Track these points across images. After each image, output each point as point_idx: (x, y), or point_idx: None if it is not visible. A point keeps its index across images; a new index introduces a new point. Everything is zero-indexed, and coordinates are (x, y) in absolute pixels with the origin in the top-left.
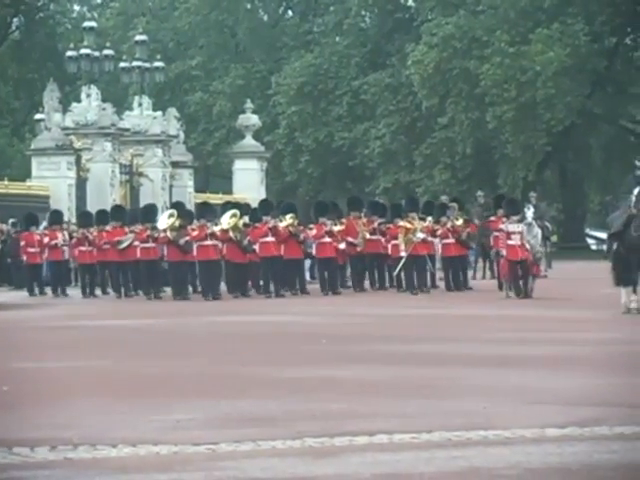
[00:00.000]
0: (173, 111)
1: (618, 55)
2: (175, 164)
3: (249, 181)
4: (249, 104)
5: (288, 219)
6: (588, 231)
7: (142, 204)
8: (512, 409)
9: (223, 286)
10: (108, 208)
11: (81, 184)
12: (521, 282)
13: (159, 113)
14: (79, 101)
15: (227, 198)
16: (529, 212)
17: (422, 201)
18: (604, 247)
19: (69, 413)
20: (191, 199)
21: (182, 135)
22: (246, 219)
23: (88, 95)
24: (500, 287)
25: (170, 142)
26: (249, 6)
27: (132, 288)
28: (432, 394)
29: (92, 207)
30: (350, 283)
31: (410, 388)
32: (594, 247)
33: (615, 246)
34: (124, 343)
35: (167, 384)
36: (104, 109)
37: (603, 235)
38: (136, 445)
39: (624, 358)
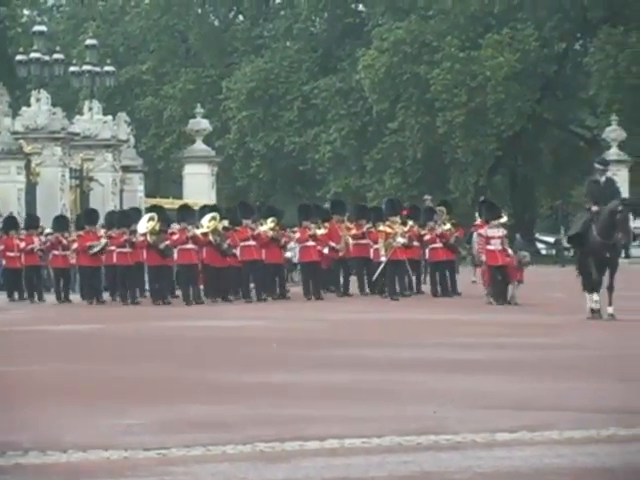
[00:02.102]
0: (123, 115)
1: (567, 60)
2: (125, 168)
3: (199, 186)
4: (199, 109)
5: (269, 223)
6: (538, 236)
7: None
8: (463, 414)
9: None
10: (58, 213)
11: (31, 189)
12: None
13: (109, 117)
14: (29, 105)
15: (178, 202)
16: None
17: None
18: (553, 251)
19: (19, 418)
20: (141, 204)
21: (132, 139)
22: (226, 222)
23: (38, 99)
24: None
25: (120, 146)
26: (200, 11)
27: (110, 294)
28: (383, 399)
29: (42, 212)
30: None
31: (361, 393)
32: (544, 252)
33: (573, 251)
34: (77, 348)
35: (118, 389)
36: (54, 113)
37: (552, 240)
38: (86, 450)
39: (575, 362)
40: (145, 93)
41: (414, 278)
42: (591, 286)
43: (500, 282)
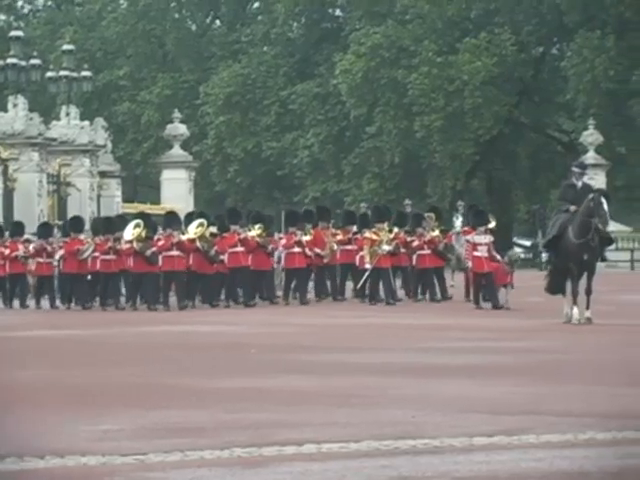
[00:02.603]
0: (101, 121)
1: (544, 64)
2: (103, 174)
3: (177, 191)
4: (177, 114)
5: (256, 229)
6: (516, 239)
7: (70, 214)
8: (440, 418)
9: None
10: (35, 218)
11: (8, 194)
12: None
13: (87, 123)
14: (6, 111)
15: (156, 208)
16: (457, 221)
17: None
18: (531, 255)
19: None
20: (119, 209)
21: (110, 145)
22: (213, 229)
23: (15, 105)
24: (475, 299)
25: (98, 152)
26: (177, 16)
27: (98, 301)
28: (361, 403)
29: (19, 217)
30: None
31: (339, 397)
32: (522, 255)
33: (552, 255)
34: (55, 354)
35: (95, 394)
36: (31, 119)
37: (529, 243)
38: (64, 456)
39: (552, 366)
40: (122, 98)
41: (399, 284)
42: (557, 289)
43: (482, 287)
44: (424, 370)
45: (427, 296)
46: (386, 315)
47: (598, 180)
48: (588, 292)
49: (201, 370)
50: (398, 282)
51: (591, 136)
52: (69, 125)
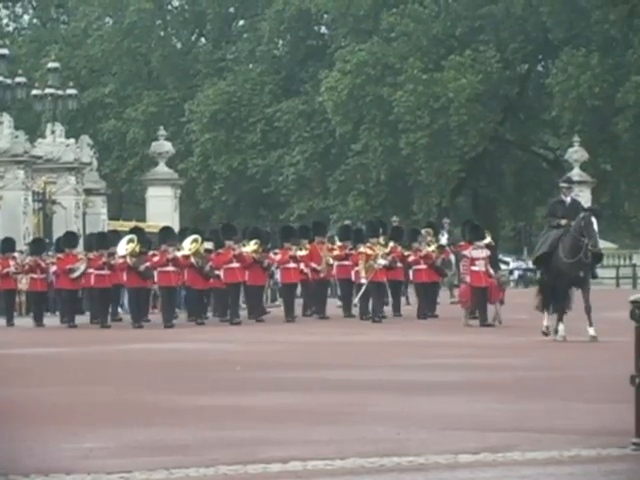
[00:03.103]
0: (86, 138)
1: (529, 82)
2: (88, 191)
3: (162, 208)
4: (162, 131)
5: (252, 245)
6: (501, 257)
7: (55, 232)
8: (425, 435)
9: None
10: (21, 236)
11: None
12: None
13: (72, 140)
14: None
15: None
16: (443, 238)
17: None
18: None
19: None
20: (104, 226)
21: (95, 162)
22: (207, 244)
23: (0, 123)
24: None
25: (83, 169)
26: (162, 33)
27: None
28: (346, 421)
29: (4, 235)
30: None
31: (324, 415)
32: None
33: (538, 272)
34: (41, 371)
35: (79, 412)
36: (16, 137)
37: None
38: (48, 474)
39: (536, 384)
40: (108, 116)
41: (391, 300)
42: (548, 306)
43: (482, 303)
44: (408, 387)
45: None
46: (378, 332)
47: (583, 197)
48: (588, 309)
49: (185, 387)
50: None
51: (576, 153)
52: (54, 143)
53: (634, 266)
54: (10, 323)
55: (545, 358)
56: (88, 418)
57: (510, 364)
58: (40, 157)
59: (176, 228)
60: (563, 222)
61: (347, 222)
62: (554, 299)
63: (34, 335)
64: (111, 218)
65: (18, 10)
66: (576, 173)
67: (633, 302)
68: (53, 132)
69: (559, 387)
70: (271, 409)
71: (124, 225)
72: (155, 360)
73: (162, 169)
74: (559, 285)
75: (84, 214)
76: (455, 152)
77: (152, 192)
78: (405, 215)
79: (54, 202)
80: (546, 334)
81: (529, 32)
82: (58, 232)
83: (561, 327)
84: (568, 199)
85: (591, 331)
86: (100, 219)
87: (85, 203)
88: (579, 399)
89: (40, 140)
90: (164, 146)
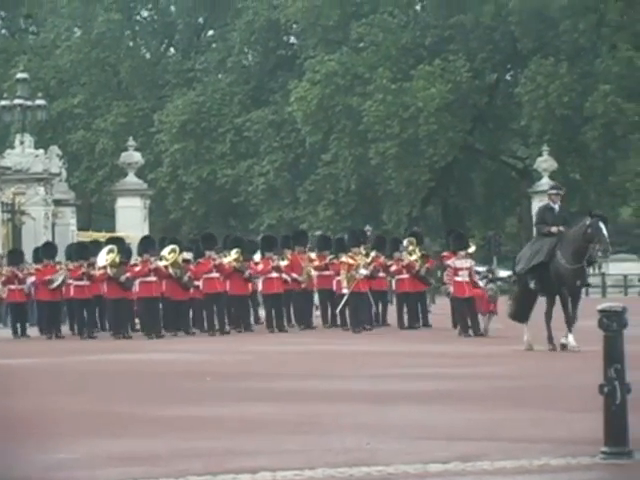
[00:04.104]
0: (55, 149)
1: (499, 91)
2: (58, 202)
3: (132, 219)
4: (132, 142)
5: (233, 254)
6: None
7: (25, 243)
8: (395, 445)
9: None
10: None
11: None
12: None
13: (41, 151)
14: None
15: (112, 236)
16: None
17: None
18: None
19: None
20: (74, 237)
21: (64, 173)
22: (186, 255)
23: None
24: (455, 325)
25: (52, 180)
26: (131, 44)
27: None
28: (315, 431)
29: None
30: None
31: (293, 425)
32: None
33: (532, 282)
34: (8, 382)
35: (50, 423)
36: None
37: (484, 269)
38: None
39: (508, 393)
40: (77, 126)
41: (380, 309)
42: (524, 317)
43: (466, 313)
44: (379, 397)
45: (406, 321)
46: (359, 342)
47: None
48: (573, 319)
49: (156, 398)
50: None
51: (545, 162)
52: (23, 154)
53: (603, 275)
54: None
55: (517, 367)
56: (59, 429)
57: (483, 373)
58: (9, 168)
59: None
60: (554, 229)
61: (317, 232)
62: (530, 309)
63: (11, 346)
64: (80, 229)
65: None
66: (545, 182)
67: (601, 311)
68: (22, 143)
69: (530, 396)
70: (241, 419)
71: (93, 236)
72: (126, 370)
73: (131, 179)
74: (562, 293)
75: (53, 225)
76: (425, 161)
77: (121, 203)
78: (375, 225)
79: (23, 213)
80: (530, 348)
81: (498, 42)
82: (27, 243)
83: (571, 337)
84: (556, 206)
85: (570, 339)
86: (69, 230)
87: (54, 214)
88: (550, 408)
89: (9, 151)
90: (133, 156)
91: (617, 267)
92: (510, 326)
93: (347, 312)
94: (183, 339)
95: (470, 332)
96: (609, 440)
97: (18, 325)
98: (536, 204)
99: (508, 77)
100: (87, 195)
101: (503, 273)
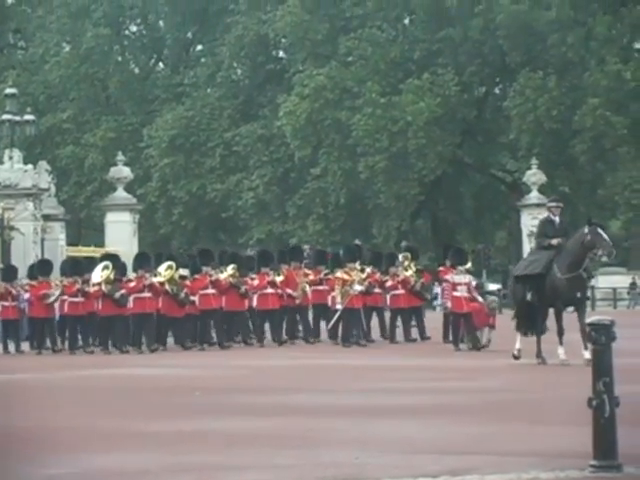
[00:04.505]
0: (44, 164)
1: (487, 104)
2: (47, 217)
3: (121, 234)
4: (121, 156)
5: (229, 270)
6: None
7: (14, 258)
8: (384, 459)
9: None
10: None
11: None
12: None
13: (30, 166)
14: None
15: (100, 251)
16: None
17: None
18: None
19: None
20: (63, 252)
21: (53, 188)
22: (182, 271)
23: None
24: (454, 340)
25: (41, 195)
26: (120, 59)
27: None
28: (304, 445)
29: None
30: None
31: (283, 439)
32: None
33: (529, 294)
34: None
35: (39, 437)
36: None
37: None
38: None
39: (497, 406)
40: (66, 141)
41: (377, 324)
42: (527, 329)
43: (461, 328)
44: (368, 411)
45: (403, 336)
46: (346, 356)
47: None
48: (585, 332)
49: (145, 413)
50: (375, 322)
51: (534, 176)
52: (12, 169)
53: (592, 288)
54: None
55: (508, 381)
56: (49, 444)
57: (473, 387)
58: None
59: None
60: (554, 242)
61: (305, 246)
62: (533, 320)
63: (8, 361)
64: (70, 244)
65: None
66: (534, 196)
67: (590, 324)
68: (11, 158)
69: (520, 410)
70: (231, 434)
71: (82, 251)
72: (115, 386)
73: (121, 194)
74: (556, 305)
75: (42, 240)
76: (414, 175)
77: (111, 217)
78: (365, 239)
79: (12, 228)
80: (517, 357)
81: (486, 55)
82: (17, 258)
83: (561, 350)
84: (557, 219)
85: (586, 354)
86: (59, 245)
87: (43, 229)
88: (539, 421)
89: None
90: (123, 171)
91: (606, 280)
92: (506, 340)
93: (340, 327)
94: (174, 354)
95: (461, 346)
96: (598, 453)
97: (9, 341)
98: (525, 217)
99: (497, 91)
100: (76, 210)
101: (492, 286)
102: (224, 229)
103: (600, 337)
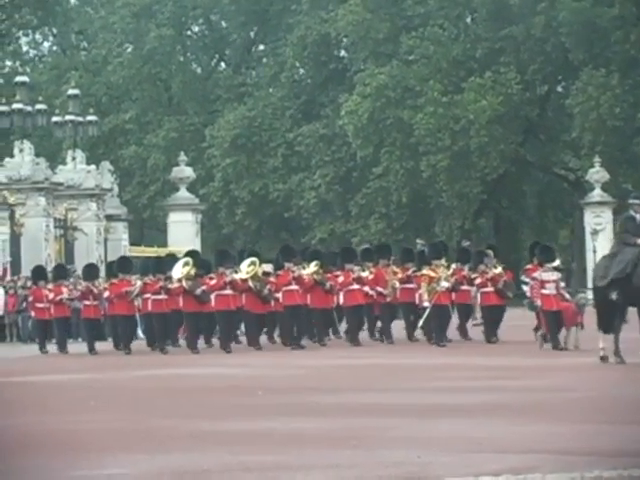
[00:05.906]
0: (107, 165)
1: (550, 103)
2: (109, 217)
3: (184, 233)
4: (183, 157)
5: (312, 267)
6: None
7: (77, 259)
8: (446, 458)
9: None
10: (43, 263)
11: (15, 239)
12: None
13: (93, 167)
14: (12, 156)
15: (163, 251)
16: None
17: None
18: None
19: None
20: (126, 252)
21: (116, 188)
22: (265, 267)
23: (21, 150)
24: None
25: (104, 196)
26: (182, 59)
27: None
28: (366, 444)
29: (27, 262)
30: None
31: (343, 439)
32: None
33: (614, 293)
34: (67, 398)
35: (99, 439)
36: (37, 164)
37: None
38: None
39: (555, 405)
40: (128, 142)
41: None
42: (607, 327)
43: (553, 327)
44: (428, 410)
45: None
46: (411, 355)
47: (605, 218)
48: None
49: (206, 413)
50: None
51: (597, 174)
52: (75, 169)
53: None
54: (63, 350)
55: (565, 379)
56: (108, 445)
57: (532, 385)
58: (61, 184)
59: None
60: (639, 241)
61: (365, 246)
62: (620, 319)
63: (84, 361)
64: (132, 244)
65: (38, 37)
66: (597, 194)
67: None
68: (74, 159)
69: (578, 408)
70: (291, 434)
71: (146, 251)
72: (178, 386)
73: (183, 194)
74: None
75: (105, 240)
76: (476, 174)
77: (173, 217)
78: (427, 238)
79: (75, 229)
80: (604, 358)
81: (549, 53)
82: (79, 259)
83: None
84: (638, 216)
85: None
86: (121, 245)
87: (106, 229)
88: (598, 420)
89: (61, 167)
90: (185, 171)
91: None
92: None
93: (429, 325)
94: (239, 354)
95: (562, 344)
96: None
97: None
98: (588, 215)
99: (559, 89)
100: (139, 210)
101: None
102: (286, 229)
103: None
